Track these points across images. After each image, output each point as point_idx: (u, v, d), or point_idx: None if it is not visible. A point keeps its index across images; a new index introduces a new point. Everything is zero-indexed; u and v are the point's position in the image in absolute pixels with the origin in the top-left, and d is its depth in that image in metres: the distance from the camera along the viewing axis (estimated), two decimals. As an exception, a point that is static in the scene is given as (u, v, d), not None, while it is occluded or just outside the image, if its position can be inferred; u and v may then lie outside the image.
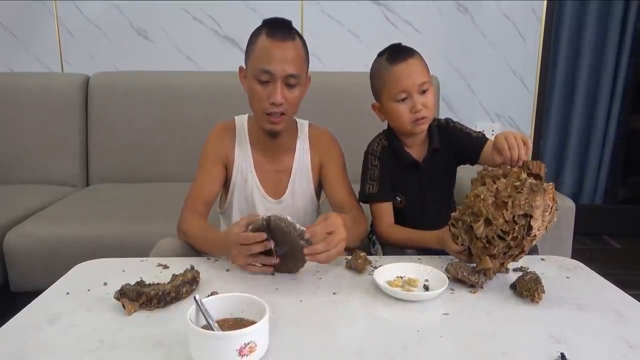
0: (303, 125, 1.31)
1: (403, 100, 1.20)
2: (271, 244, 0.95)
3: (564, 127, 2.81)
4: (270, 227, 0.94)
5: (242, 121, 1.29)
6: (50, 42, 2.44)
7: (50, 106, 2.27)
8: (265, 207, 1.27)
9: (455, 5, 2.46)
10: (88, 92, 2.30)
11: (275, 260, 0.98)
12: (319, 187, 1.32)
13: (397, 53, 1.21)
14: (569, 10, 2.64)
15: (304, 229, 0.93)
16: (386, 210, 1.27)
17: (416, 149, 1.29)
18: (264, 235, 0.94)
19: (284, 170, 1.27)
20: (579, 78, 2.72)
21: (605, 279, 1.01)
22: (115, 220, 1.78)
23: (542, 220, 0.89)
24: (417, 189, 1.29)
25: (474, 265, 0.97)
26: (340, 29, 2.46)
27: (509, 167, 0.95)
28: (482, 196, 0.91)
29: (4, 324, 0.81)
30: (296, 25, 2.54)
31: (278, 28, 1.13)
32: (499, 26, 2.49)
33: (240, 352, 0.66)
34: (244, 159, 1.26)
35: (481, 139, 1.26)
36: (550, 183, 0.90)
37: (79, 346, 0.74)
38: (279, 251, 0.97)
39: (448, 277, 0.94)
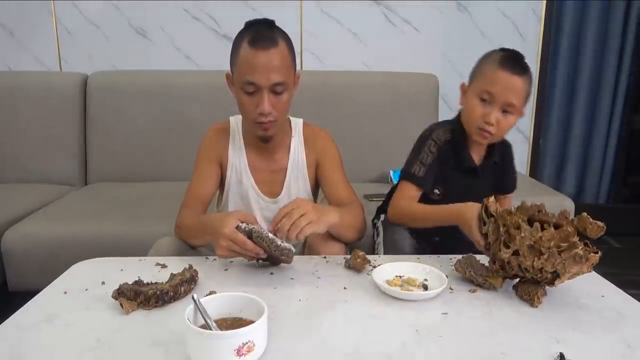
0: (297, 124, 1.30)
1: (484, 100, 1.18)
2: (262, 256, 0.97)
3: (565, 127, 2.81)
4: (252, 240, 0.95)
5: (236, 121, 1.29)
6: (48, 41, 2.44)
7: (48, 105, 2.26)
8: (260, 206, 1.27)
9: (454, 5, 2.46)
10: (86, 91, 2.30)
11: (256, 264, 1.03)
12: (316, 186, 1.32)
13: (513, 62, 1.17)
14: (570, 9, 2.64)
15: (286, 245, 0.94)
16: (415, 194, 1.25)
17: (476, 152, 1.28)
18: (261, 251, 0.95)
19: (279, 169, 1.27)
20: (580, 77, 2.72)
21: (605, 278, 1.01)
22: (114, 219, 1.78)
23: (567, 279, 0.86)
24: (462, 190, 1.24)
25: (483, 264, 0.97)
26: (339, 28, 2.46)
27: (565, 218, 0.88)
28: (523, 234, 0.86)
29: (1, 323, 0.80)
30: (295, 24, 2.52)
31: (260, 34, 1.08)
32: (498, 25, 2.49)
33: (239, 352, 0.65)
34: (238, 159, 1.26)
35: (513, 186, 1.34)
36: (598, 254, 0.82)
37: (77, 345, 0.73)
38: (260, 259, 1.01)
39: (447, 277, 0.94)
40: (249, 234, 0.94)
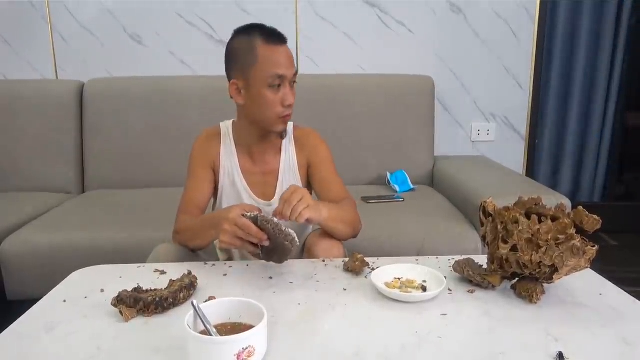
0: (288, 126, 1.31)
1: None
2: (265, 243, 0.97)
3: (560, 126, 2.83)
4: (257, 226, 0.96)
5: (226, 126, 1.30)
6: (43, 49, 2.44)
7: (45, 113, 2.26)
8: None
9: (448, 6, 2.47)
10: (83, 99, 2.30)
11: (259, 251, 1.01)
12: (308, 186, 1.33)
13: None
14: (563, 8, 2.66)
15: (290, 231, 0.95)
16: None
17: None
18: (265, 237, 0.96)
19: (271, 172, 1.28)
20: (574, 76, 2.73)
21: (602, 276, 1.01)
22: (112, 226, 1.77)
23: (565, 274, 0.86)
24: None
25: (481, 265, 0.98)
26: (334, 31, 2.47)
27: (562, 212, 0.89)
28: (521, 227, 0.87)
29: (1, 332, 0.80)
30: (291, 27, 2.54)
31: (272, 31, 1.15)
32: (492, 26, 2.50)
33: (239, 357, 0.66)
34: (230, 162, 1.27)
35: None
36: (595, 247, 0.83)
37: (77, 354, 0.74)
38: (264, 247, 0.99)
39: (445, 278, 0.94)
40: (255, 221, 0.96)
